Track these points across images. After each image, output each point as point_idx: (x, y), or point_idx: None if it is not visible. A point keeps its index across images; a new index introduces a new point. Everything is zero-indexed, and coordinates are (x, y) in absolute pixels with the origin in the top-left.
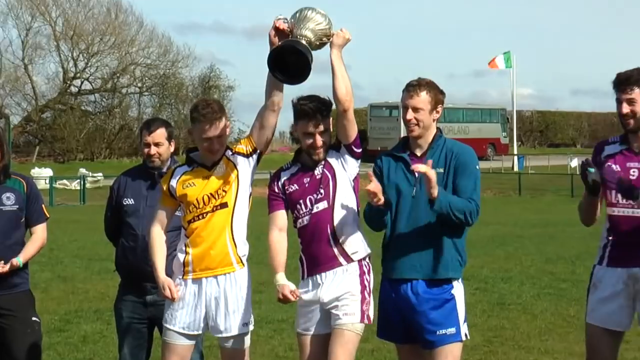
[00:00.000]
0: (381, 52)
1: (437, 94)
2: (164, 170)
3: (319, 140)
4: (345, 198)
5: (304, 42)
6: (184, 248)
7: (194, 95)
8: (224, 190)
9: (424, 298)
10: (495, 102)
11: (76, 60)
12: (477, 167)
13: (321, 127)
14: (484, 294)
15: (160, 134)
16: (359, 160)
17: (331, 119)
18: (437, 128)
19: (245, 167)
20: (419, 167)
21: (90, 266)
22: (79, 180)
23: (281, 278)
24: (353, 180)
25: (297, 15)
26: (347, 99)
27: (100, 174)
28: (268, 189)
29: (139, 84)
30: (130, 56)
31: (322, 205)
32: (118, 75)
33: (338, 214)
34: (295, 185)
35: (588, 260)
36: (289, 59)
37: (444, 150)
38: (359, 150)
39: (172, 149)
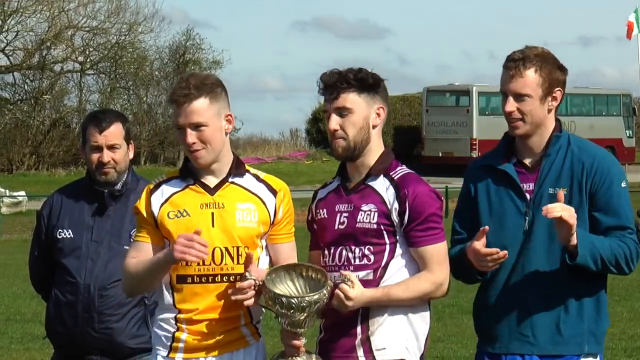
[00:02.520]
0: (439, 11)
1: (554, 71)
2: (119, 186)
3: (333, 123)
4: (401, 269)
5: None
6: (171, 318)
7: (161, 75)
8: (248, 249)
9: None
10: (614, 83)
11: None
12: (624, 184)
13: (339, 104)
14: None
15: (115, 132)
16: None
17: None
18: (557, 120)
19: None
20: (553, 211)
21: (8, 331)
22: None
23: None
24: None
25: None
26: None
27: (22, 193)
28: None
29: (80, 58)
30: (66, 16)
31: (365, 274)
32: (49, 44)
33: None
34: (324, 211)
35: None
36: None
37: (568, 157)
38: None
39: (131, 154)
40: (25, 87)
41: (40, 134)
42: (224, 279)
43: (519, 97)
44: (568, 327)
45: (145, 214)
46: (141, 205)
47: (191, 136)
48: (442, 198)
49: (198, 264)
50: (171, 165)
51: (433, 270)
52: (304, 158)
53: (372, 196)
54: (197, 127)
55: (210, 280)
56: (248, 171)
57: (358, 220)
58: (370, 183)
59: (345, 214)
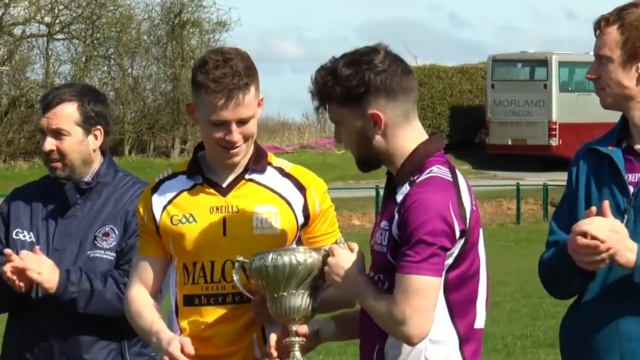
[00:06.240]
0: None
1: None
2: (88, 178)
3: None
4: None
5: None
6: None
7: (151, 41)
8: None
9: None
10: None
11: None
12: None
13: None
14: None
15: (63, 113)
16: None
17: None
18: None
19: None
20: (581, 228)
21: None
22: None
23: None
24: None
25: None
26: None
27: None
28: None
29: (47, 19)
30: None
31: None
32: (6, 1)
33: None
34: None
35: None
36: None
37: None
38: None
39: (97, 143)
40: None
41: None
42: (236, 299)
43: (599, 60)
44: None
45: (145, 219)
46: (141, 207)
47: (237, 133)
48: (451, 219)
49: (206, 282)
50: (163, 156)
51: (396, 301)
52: (333, 147)
53: (389, 210)
54: (244, 121)
55: (220, 301)
56: (270, 164)
57: (374, 240)
58: (397, 192)
59: (376, 231)
